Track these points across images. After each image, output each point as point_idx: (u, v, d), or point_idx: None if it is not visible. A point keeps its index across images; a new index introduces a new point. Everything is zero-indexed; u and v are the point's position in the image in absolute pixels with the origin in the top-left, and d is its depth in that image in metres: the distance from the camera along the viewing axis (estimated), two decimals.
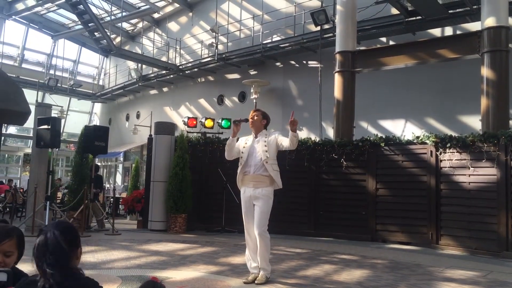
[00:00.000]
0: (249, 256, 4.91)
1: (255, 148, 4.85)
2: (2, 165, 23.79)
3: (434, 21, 10.56)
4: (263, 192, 4.77)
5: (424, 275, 5.46)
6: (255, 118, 4.94)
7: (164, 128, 9.97)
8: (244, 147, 4.92)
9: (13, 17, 20.37)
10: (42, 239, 1.67)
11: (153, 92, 20.15)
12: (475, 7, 9.64)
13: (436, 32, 11.24)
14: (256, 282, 4.69)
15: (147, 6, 18.74)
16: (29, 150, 20.64)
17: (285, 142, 4.77)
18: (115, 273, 5.14)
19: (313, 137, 10.08)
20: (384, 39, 12.22)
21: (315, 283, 4.90)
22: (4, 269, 1.02)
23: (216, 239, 8.28)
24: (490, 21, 8.58)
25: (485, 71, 8.59)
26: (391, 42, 11.86)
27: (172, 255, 6.50)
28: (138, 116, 20.59)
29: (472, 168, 7.42)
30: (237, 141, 4.97)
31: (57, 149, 9.93)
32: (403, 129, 11.46)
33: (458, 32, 10.87)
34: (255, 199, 4.80)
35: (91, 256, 6.14)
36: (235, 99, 16.01)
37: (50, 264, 1.63)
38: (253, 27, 14.96)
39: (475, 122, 9.69)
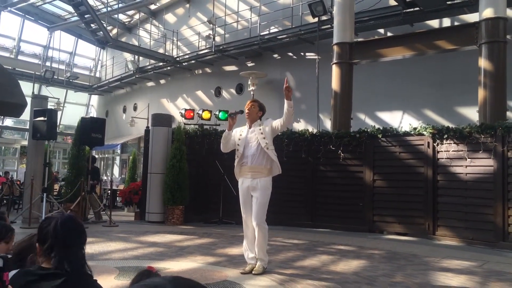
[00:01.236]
0: (247, 247, 4.92)
1: (251, 139, 4.84)
2: None
3: (432, 13, 10.51)
4: (261, 183, 4.77)
5: (420, 265, 5.49)
6: (252, 108, 4.92)
7: (161, 120, 9.94)
8: (239, 139, 4.90)
9: (9, 8, 20.21)
10: (65, 218, 1.66)
11: (150, 84, 20.07)
12: None
13: (434, 23, 11.20)
14: (253, 272, 4.71)
15: None
16: (25, 142, 20.55)
17: (279, 120, 4.77)
18: (112, 264, 5.14)
19: (310, 128, 10.06)
20: (382, 31, 12.18)
21: (312, 273, 4.91)
22: (0, 255, 1.02)
23: (213, 231, 8.29)
24: (488, 12, 8.56)
25: (483, 62, 8.58)
26: (389, 34, 11.82)
27: (170, 246, 6.51)
28: (135, 108, 20.53)
29: (469, 159, 7.43)
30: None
31: (53, 141, 9.92)
32: (400, 120, 11.46)
33: (456, 23, 10.84)
34: (253, 190, 4.80)
35: (88, 247, 6.07)
36: (233, 91, 15.97)
37: (75, 243, 1.64)
38: (250, 18, 14.88)
39: (472, 114, 9.69)
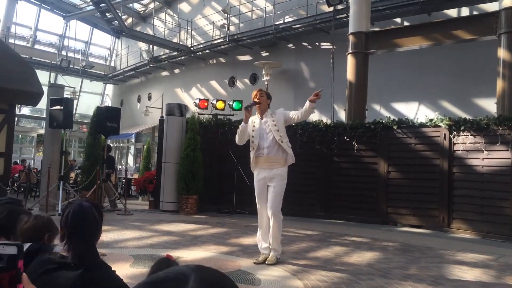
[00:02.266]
0: (260, 237, 4.93)
1: (265, 130, 4.81)
2: (16, 145, 24.01)
3: (450, 1, 10.34)
4: (278, 172, 4.78)
5: (435, 258, 5.46)
6: (261, 98, 4.87)
7: (176, 109, 9.97)
8: (253, 130, 4.87)
9: None
10: (78, 208, 1.68)
11: (164, 73, 20.14)
12: None
13: (452, 12, 11.00)
14: (266, 262, 4.72)
15: None
16: (42, 131, 20.84)
17: (296, 114, 4.79)
18: (128, 252, 5.21)
19: (325, 119, 10.01)
20: (398, 20, 12.01)
21: (325, 264, 4.92)
22: (14, 242, 1.03)
23: (227, 220, 8.34)
24: (508, 1, 8.36)
25: (502, 53, 8.41)
26: (406, 23, 11.65)
27: (184, 235, 6.57)
28: (149, 98, 20.64)
29: (486, 152, 7.32)
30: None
31: (69, 130, 10.04)
32: (416, 111, 11.33)
33: (474, 12, 10.62)
34: (270, 180, 4.80)
35: (104, 235, 6.18)
36: (247, 81, 15.94)
37: (82, 234, 1.64)
38: (265, 7, 14.79)
39: (490, 105, 9.54)
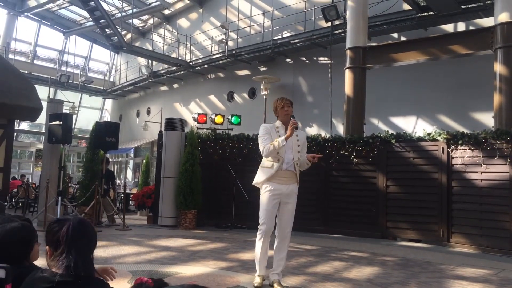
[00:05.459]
0: (260, 257, 4.59)
1: (288, 145, 4.47)
2: (14, 160, 23.99)
3: (446, 17, 10.44)
4: (294, 189, 4.55)
5: (435, 273, 5.43)
6: (292, 110, 4.66)
7: (174, 124, 9.99)
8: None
9: (25, 13, 20.58)
10: (77, 223, 1.64)
11: (163, 88, 20.22)
12: (488, 2, 9.53)
13: (449, 27, 11.12)
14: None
15: (158, 3, 18.77)
16: (41, 146, 20.85)
17: (304, 153, 4.63)
18: (126, 268, 5.17)
19: (323, 133, 10.04)
20: (395, 35, 12.12)
21: (324, 279, 4.89)
22: (2, 265, 1.00)
23: (225, 235, 8.29)
24: (503, 17, 8.46)
25: (498, 67, 8.48)
26: (403, 38, 11.76)
27: (182, 250, 6.53)
28: (148, 112, 20.69)
29: (484, 165, 7.34)
30: (267, 132, 4.56)
31: (68, 145, 10.01)
32: (414, 125, 11.37)
33: (471, 27, 10.75)
34: (287, 196, 4.48)
35: (102, 251, 6.18)
36: (245, 95, 16.01)
37: (81, 249, 1.60)
38: (263, 23, 14.92)
39: (487, 119, 9.58)
